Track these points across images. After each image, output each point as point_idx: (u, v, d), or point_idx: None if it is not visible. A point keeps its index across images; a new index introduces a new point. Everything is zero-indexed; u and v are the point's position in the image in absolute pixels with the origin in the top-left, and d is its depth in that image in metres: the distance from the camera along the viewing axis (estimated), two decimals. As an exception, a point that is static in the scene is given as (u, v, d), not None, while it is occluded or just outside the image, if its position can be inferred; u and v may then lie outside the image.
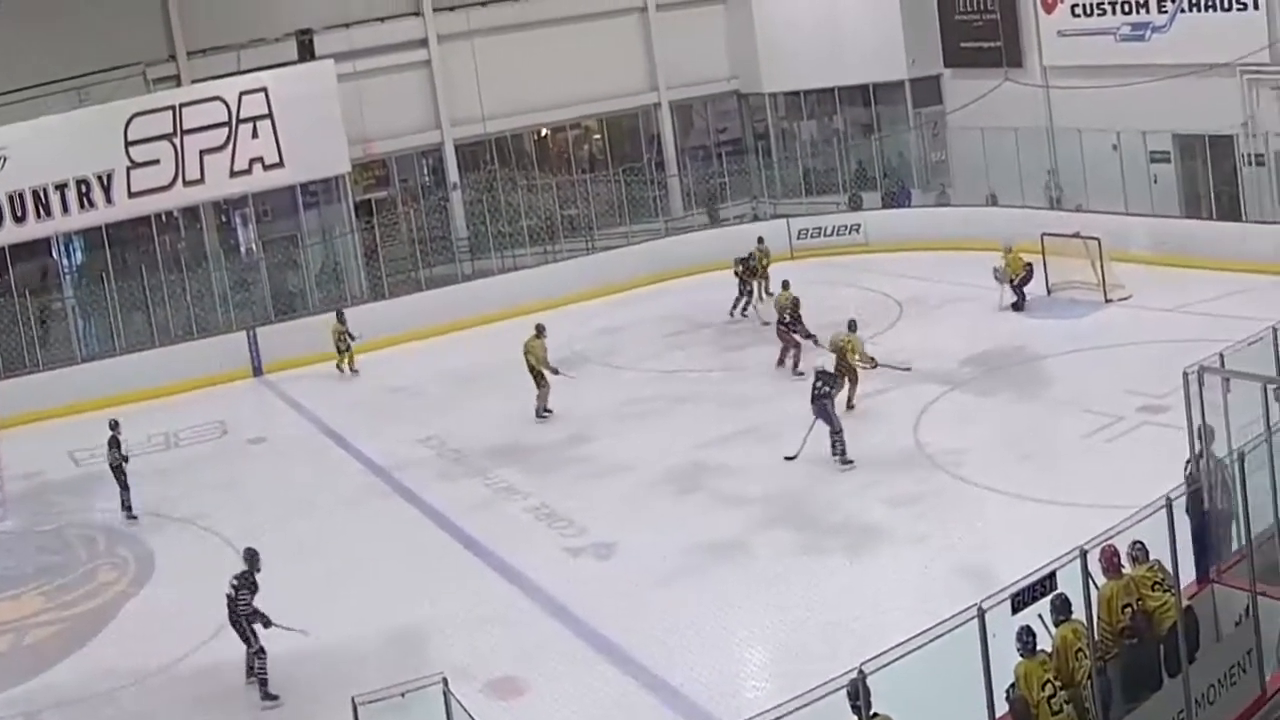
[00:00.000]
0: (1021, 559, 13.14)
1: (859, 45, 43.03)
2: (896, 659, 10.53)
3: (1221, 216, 35.12)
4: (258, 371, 34.07)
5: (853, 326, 25.97)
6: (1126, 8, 37.86)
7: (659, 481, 23.48)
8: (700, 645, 17.62)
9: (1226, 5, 35.26)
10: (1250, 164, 35.22)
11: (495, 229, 40.70)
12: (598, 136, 45.08)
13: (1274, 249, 31.39)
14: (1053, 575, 12.17)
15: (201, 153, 36.59)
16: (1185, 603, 13.52)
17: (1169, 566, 13.28)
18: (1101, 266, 31.48)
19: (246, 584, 17.42)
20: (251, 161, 37.23)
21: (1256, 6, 34.54)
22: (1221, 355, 15.66)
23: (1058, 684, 12.21)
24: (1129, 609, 13.21)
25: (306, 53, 38.10)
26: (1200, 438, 16.20)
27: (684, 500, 22.52)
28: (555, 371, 27.72)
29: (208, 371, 33.30)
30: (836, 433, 23.15)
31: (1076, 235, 31.87)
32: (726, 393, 27.78)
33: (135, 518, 24.50)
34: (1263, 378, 15.26)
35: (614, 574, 20.15)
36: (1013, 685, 12.05)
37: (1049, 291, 32.09)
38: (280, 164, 37.46)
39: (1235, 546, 14.66)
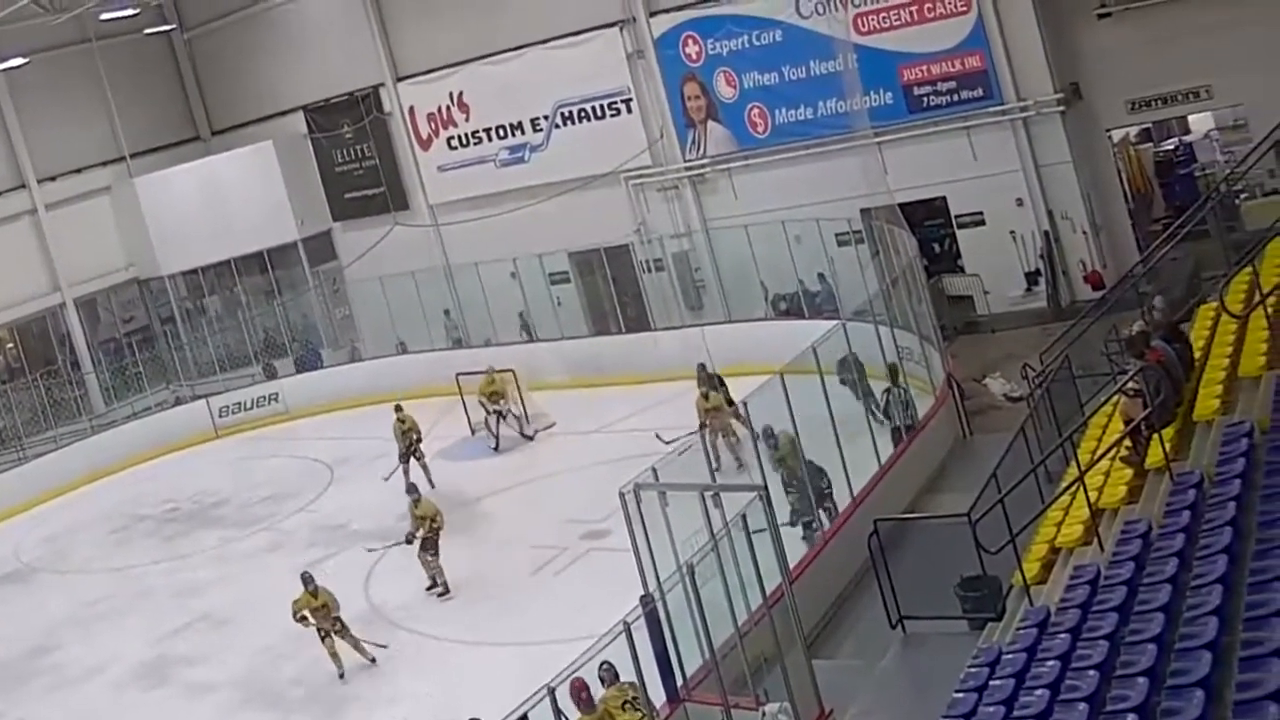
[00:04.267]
0: (492, 706, 13.28)
1: (248, 213, 42.69)
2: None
3: (630, 329, 35.87)
4: None
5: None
6: (502, 132, 38.65)
7: (129, 680, 22.96)
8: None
9: (600, 113, 36.46)
10: (650, 270, 36.42)
11: (-75, 454, 38.92)
12: (11, 345, 43.56)
13: (683, 354, 30.82)
14: (524, 718, 12.37)
15: None
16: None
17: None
18: (521, 398, 31.59)
19: None
20: None
21: (630, 110, 35.86)
22: (655, 469, 16.09)
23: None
24: (603, 742, 13.40)
25: None
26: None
27: (155, 695, 22.16)
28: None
29: None
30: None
31: (489, 371, 31.88)
32: (177, 582, 27.08)
33: None
34: (697, 486, 15.54)
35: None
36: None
37: (472, 432, 32.17)
38: None
39: (700, 661, 14.88)
